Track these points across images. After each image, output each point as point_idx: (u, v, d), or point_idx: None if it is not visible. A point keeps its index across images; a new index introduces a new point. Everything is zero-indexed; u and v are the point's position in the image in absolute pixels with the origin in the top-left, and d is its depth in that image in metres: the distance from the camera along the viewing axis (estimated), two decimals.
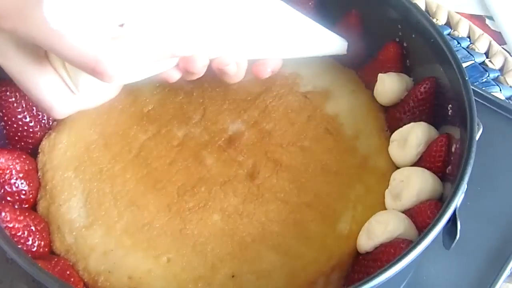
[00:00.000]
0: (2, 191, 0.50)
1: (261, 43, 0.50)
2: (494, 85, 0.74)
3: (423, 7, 0.81)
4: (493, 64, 0.76)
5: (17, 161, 0.51)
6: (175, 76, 0.46)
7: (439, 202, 0.48)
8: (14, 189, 0.51)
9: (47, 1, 0.34)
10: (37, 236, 0.49)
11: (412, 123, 0.54)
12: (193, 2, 0.41)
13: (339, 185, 0.53)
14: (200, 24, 0.43)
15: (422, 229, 0.46)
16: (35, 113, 0.54)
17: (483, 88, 0.70)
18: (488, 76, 0.75)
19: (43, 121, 0.55)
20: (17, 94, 0.53)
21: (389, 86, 0.56)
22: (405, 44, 0.58)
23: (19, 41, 0.37)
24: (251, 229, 0.50)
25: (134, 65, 0.37)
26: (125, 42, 0.36)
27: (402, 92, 0.56)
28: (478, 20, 0.82)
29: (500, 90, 0.73)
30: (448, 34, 0.79)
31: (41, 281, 0.41)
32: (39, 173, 0.54)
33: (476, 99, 0.50)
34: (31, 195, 0.52)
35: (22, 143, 0.54)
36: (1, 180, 0.50)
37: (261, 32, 0.49)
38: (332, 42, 0.57)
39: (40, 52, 0.38)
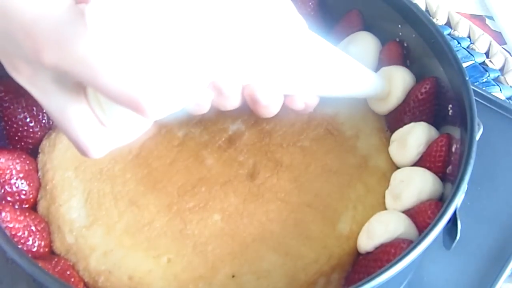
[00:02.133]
0: (2, 191, 0.50)
1: (297, 78, 0.47)
2: (494, 85, 0.74)
3: (423, 7, 0.81)
4: (493, 64, 0.76)
5: (17, 161, 0.51)
6: (206, 105, 0.45)
7: (440, 202, 0.48)
8: (14, 189, 0.51)
9: (92, 33, 0.32)
10: (37, 236, 0.49)
11: (412, 123, 0.54)
12: (229, 28, 0.40)
13: (339, 185, 0.53)
14: (236, 49, 0.41)
15: (423, 229, 0.46)
16: (35, 113, 0.54)
17: (483, 88, 0.70)
18: (488, 76, 0.75)
19: (43, 121, 0.55)
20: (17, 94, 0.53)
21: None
22: (405, 44, 0.58)
23: (60, 78, 0.36)
24: (251, 229, 0.50)
25: (175, 98, 0.36)
26: (166, 75, 0.34)
27: None
28: (478, 20, 0.82)
29: (501, 90, 0.73)
30: (448, 34, 0.79)
31: (41, 281, 0.41)
32: (39, 173, 0.54)
33: (476, 99, 0.50)
34: (31, 195, 0.52)
35: (22, 143, 0.54)
36: (1, 180, 0.50)
37: (299, 68, 0.46)
38: (373, 83, 0.54)
39: (79, 91, 0.37)
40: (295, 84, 0.47)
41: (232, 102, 0.45)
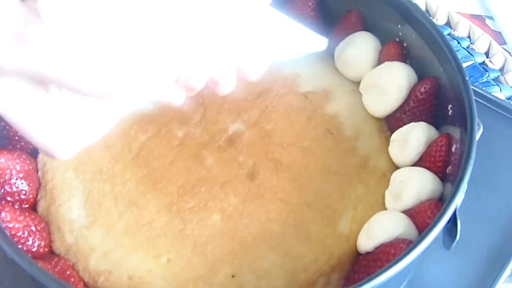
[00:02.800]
0: (2, 191, 0.50)
1: (245, 49, 0.45)
2: (494, 85, 0.74)
3: (423, 7, 0.81)
4: (493, 64, 0.76)
5: (17, 161, 0.51)
6: (179, 98, 0.42)
7: (439, 202, 0.48)
8: (14, 189, 0.51)
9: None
10: (37, 236, 0.49)
11: (412, 123, 0.54)
12: (184, 15, 0.38)
13: (339, 185, 0.53)
14: (197, 37, 0.40)
15: (422, 229, 0.46)
16: None
17: (483, 88, 0.70)
18: (488, 76, 0.75)
19: None
20: None
21: None
22: (405, 44, 0.58)
23: (21, 84, 0.34)
24: (251, 229, 0.50)
25: (143, 88, 0.35)
26: (133, 66, 0.34)
27: None
28: (478, 20, 0.82)
29: (500, 90, 0.73)
30: (448, 34, 0.79)
31: (41, 281, 0.41)
32: (39, 173, 0.54)
33: (476, 99, 0.50)
34: (31, 195, 0.52)
35: (22, 143, 0.54)
36: (1, 180, 0.50)
37: (245, 37, 0.45)
38: (311, 40, 0.51)
39: (41, 94, 0.36)
40: (246, 54, 0.45)
41: (197, 90, 0.44)
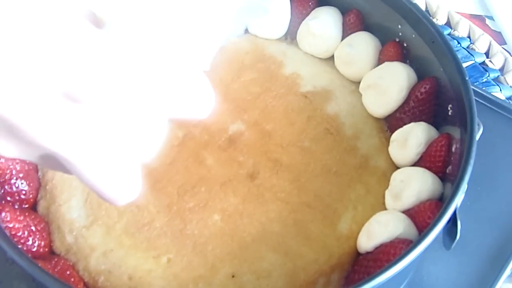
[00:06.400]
0: (2, 191, 0.50)
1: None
2: (494, 85, 0.74)
3: (423, 7, 0.81)
4: (493, 64, 0.76)
5: (17, 161, 0.51)
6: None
7: (439, 202, 0.48)
8: (14, 189, 0.51)
9: None
10: (37, 236, 0.49)
11: (412, 123, 0.54)
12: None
13: (339, 185, 0.53)
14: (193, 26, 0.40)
15: (422, 229, 0.46)
16: None
17: (483, 88, 0.70)
18: (488, 76, 0.75)
19: None
20: None
21: None
22: (405, 44, 0.58)
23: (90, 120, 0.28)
24: (251, 229, 0.50)
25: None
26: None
27: None
28: (478, 20, 0.82)
29: (500, 90, 0.73)
30: (448, 34, 0.79)
31: (41, 281, 0.41)
32: (39, 173, 0.54)
33: (476, 99, 0.50)
34: (31, 195, 0.52)
35: None
36: (1, 180, 0.50)
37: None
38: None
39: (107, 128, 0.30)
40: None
41: None
